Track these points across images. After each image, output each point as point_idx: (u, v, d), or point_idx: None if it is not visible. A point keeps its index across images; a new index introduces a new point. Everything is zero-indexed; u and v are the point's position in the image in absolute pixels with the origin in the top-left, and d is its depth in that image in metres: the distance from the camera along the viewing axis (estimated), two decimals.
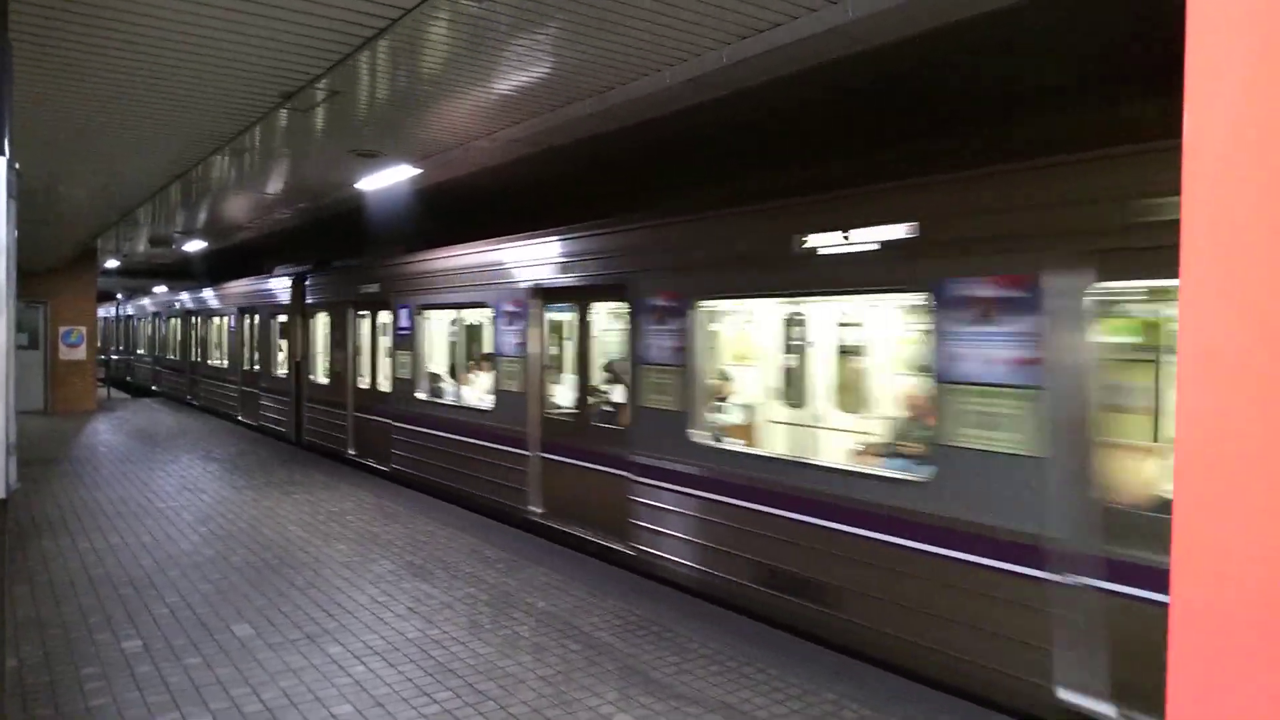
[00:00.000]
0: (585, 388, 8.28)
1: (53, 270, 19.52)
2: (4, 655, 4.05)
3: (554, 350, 9.52)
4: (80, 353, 20.21)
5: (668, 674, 5.24)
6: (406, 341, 11.27)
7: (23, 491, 10.01)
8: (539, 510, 8.65)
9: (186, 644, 5.61)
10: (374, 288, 12.25)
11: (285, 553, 7.88)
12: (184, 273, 25.00)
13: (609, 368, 8.61)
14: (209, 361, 21.16)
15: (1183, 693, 1.16)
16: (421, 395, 11.02)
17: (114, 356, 34.85)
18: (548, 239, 8.49)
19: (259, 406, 17.08)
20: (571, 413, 8.51)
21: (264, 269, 18.30)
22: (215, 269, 22.13)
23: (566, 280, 8.26)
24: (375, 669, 5.26)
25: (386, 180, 9.36)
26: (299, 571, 7.28)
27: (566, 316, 9.17)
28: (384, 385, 12.17)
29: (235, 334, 18.71)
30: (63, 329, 19.88)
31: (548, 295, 8.62)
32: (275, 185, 10.42)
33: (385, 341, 12.30)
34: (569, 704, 4.79)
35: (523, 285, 8.84)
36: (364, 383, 12.84)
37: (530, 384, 8.77)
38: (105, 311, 37.57)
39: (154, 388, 26.95)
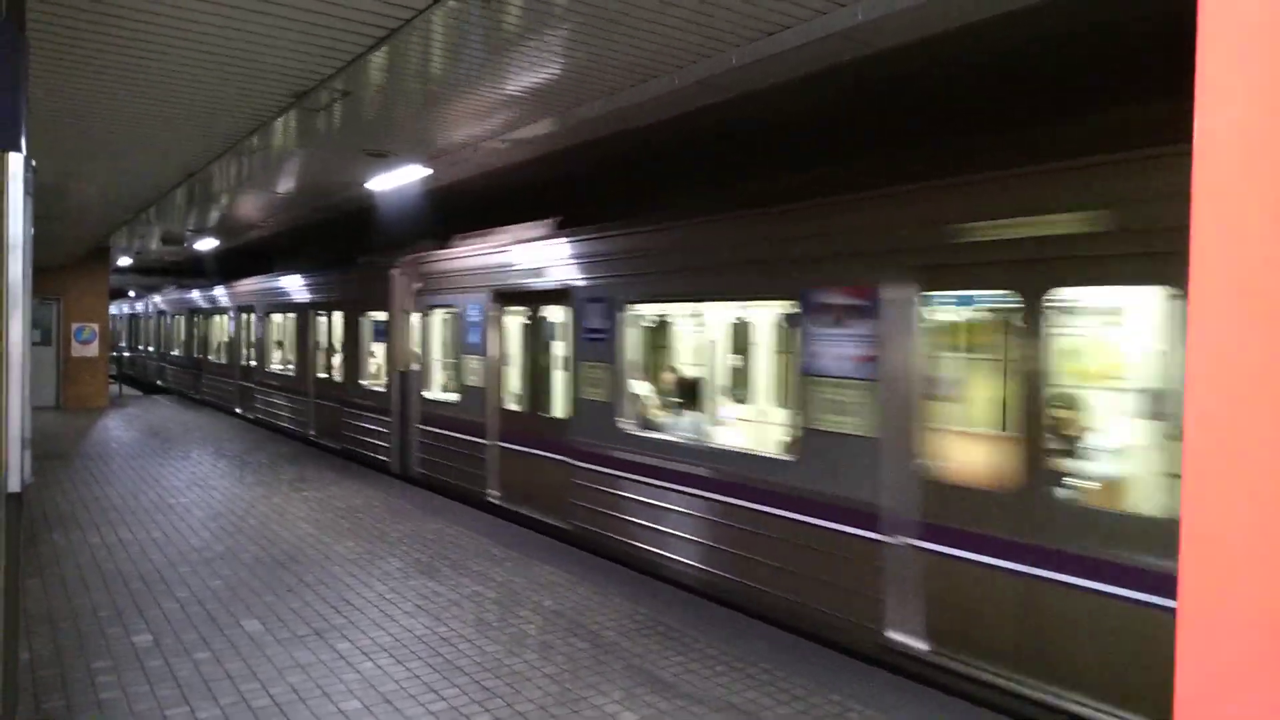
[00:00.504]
0: (1038, 438, 4.73)
1: (65, 267, 19.66)
2: (17, 648, 4.08)
3: (943, 371, 5.47)
4: (92, 349, 20.35)
5: (674, 673, 5.24)
6: (601, 350, 7.96)
7: (35, 486, 10.09)
8: (921, 645, 5.20)
9: (196, 639, 5.65)
10: (538, 279, 8.92)
11: (294, 549, 7.92)
12: (201, 270, 24.65)
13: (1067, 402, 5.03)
14: (267, 367, 17.69)
15: (1190, 695, 1.16)
16: (631, 428, 7.70)
17: (135, 355, 32.51)
18: (941, 187, 5.24)
19: (341, 426, 13.78)
20: (1005, 483, 4.87)
21: (302, 259, 16.76)
22: (247, 261, 20.85)
23: (992, 251, 4.93)
24: (383, 665, 5.29)
25: (397, 180, 9.39)
26: (308, 568, 7.31)
27: (975, 314, 5.73)
28: (556, 409, 8.88)
29: (303, 336, 15.49)
30: (75, 326, 20.02)
31: (938, 278, 5.24)
32: (286, 184, 10.48)
33: (552, 347, 9.17)
34: (575, 702, 4.80)
35: (879, 265, 5.44)
36: (515, 403, 9.64)
37: (892, 425, 5.37)
38: (133, 306, 35.14)
39: (193, 394, 23.57)
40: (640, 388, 8.07)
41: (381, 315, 12.49)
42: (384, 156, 8.47)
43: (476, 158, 8.25)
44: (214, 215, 13.51)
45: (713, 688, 5.05)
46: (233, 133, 7.50)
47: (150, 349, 30.46)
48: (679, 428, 7.61)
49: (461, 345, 10.39)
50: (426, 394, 11.29)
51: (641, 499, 7.47)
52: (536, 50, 5.23)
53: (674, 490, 7.13)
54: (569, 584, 7.00)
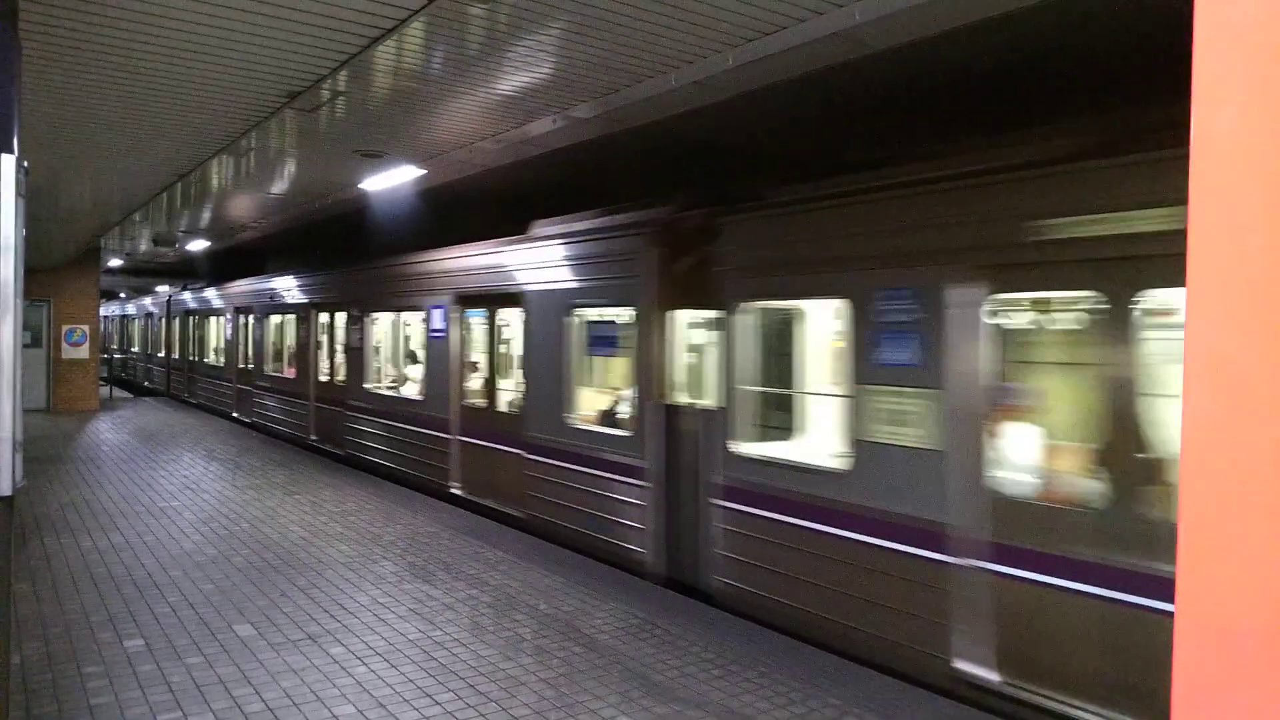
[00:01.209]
0: None
1: (56, 268, 19.61)
2: (7, 653, 4.06)
3: None
4: (83, 351, 20.27)
5: (670, 677, 5.23)
6: None
7: (25, 489, 10.04)
8: None
9: (188, 643, 5.62)
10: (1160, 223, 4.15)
11: (287, 553, 7.88)
12: (193, 270, 24.48)
13: None
14: (369, 386, 12.84)
15: (1187, 700, 1.16)
16: None
17: (151, 364, 28.73)
18: None
19: (526, 483, 9.02)
20: None
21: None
22: (242, 260, 19.87)
23: None
24: (377, 670, 5.27)
25: (390, 181, 9.38)
26: (301, 572, 7.28)
27: None
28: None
29: (439, 349, 10.82)
30: (65, 327, 19.94)
31: None
32: (279, 185, 10.45)
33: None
34: (571, 706, 4.79)
35: None
36: (1041, 484, 4.93)
37: None
38: (148, 304, 30.48)
39: (236, 415, 18.98)
40: None
41: (613, 313, 8.25)
42: (378, 157, 8.47)
43: (471, 159, 8.22)
44: (207, 215, 13.47)
45: (710, 691, 5.04)
46: (227, 133, 7.48)
47: (175, 355, 25.79)
48: None
49: (861, 366, 5.72)
50: (740, 448, 6.71)
51: None
52: (531, 50, 5.23)
53: None
54: (564, 588, 6.98)
